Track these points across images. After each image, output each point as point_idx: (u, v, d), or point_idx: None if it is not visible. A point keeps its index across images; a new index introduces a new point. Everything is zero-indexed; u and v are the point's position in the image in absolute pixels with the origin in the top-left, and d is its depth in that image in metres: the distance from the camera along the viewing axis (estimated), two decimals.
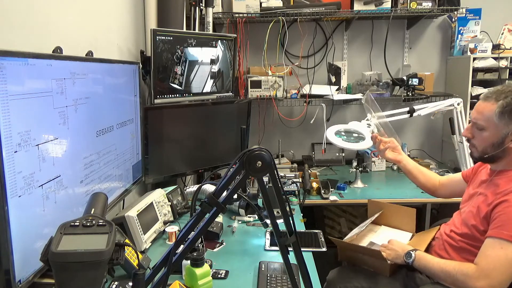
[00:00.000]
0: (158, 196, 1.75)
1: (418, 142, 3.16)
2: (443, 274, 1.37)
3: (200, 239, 1.29)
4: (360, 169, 2.53)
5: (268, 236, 1.70)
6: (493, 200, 1.35)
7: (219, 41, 2.33)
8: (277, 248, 1.56)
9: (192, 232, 0.96)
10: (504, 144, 1.38)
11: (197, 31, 2.43)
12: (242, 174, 0.94)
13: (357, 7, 2.63)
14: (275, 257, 1.51)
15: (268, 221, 1.04)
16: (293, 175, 2.33)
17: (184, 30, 2.28)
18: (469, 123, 1.51)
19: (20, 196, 0.99)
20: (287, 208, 1.00)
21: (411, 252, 1.47)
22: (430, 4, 2.62)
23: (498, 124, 1.36)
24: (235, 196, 1.01)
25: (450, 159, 2.95)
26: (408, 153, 3.01)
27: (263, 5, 2.63)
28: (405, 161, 1.82)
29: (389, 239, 1.62)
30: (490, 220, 1.34)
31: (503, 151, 1.39)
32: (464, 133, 1.50)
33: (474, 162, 1.68)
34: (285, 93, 2.74)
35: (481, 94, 2.59)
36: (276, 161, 2.28)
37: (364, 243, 1.77)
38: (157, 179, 2.05)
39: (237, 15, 2.63)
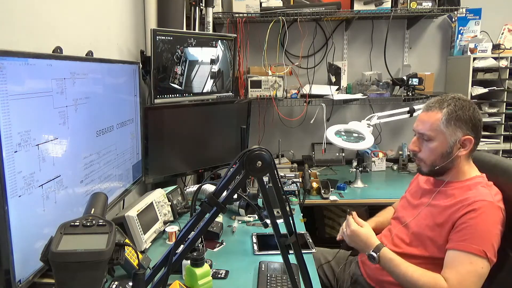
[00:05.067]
0: (158, 196, 1.75)
1: None
2: (410, 283, 1.29)
3: (200, 239, 1.29)
4: (360, 169, 2.53)
5: (255, 239, 1.67)
6: (455, 211, 1.30)
7: (219, 41, 2.33)
8: (267, 252, 1.57)
9: (192, 232, 0.96)
10: (453, 154, 1.35)
11: (197, 31, 2.43)
12: (242, 174, 0.94)
13: (357, 7, 2.63)
14: (275, 257, 1.51)
15: (268, 221, 1.04)
16: (293, 175, 2.33)
17: (184, 30, 2.28)
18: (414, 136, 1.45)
19: (20, 196, 0.99)
20: (287, 208, 1.00)
21: (374, 254, 1.36)
22: (430, 4, 2.62)
23: (445, 132, 1.34)
24: (235, 196, 1.01)
25: None
26: (408, 153, 3.01)
27: (263, 5, 2.63)
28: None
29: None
30: (452, 230, 1.29)
31: (452, 161, 1.36)
32: (411, 147, 1.44)
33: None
34: (285, 93, 2.74)
35: (481, 93, 2.63)
36: (276, 161, 2.28)
37: None
38: (157, 179, 2.05)
39: (237, 15, 2.63)
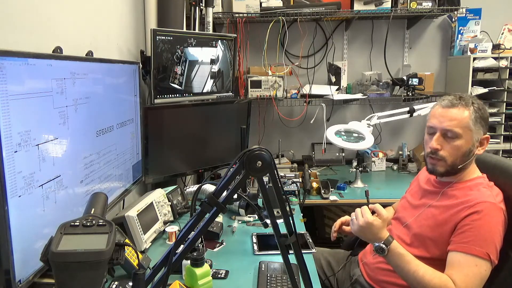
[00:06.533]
0: (158, 196, 1.75)
1: (418, 141, 3.16)
2: (418, 283, 1.26)
3: (200, 239, 1.29)
4: (360, 169, 2.53)
5: (255, 239, 1.68)
6: (457, 211, 1.30)
7: (219, 41, 2.33)
8: (267, 252, 1.57)
9: (192, 232, 0.96)
10: (473, 153, 1.35)
11: (197, 31, 2.43)
12: (242, 174, 0.94)
13: (357, 7, 2.63)
14: (275, 257, 1.51)
15: (268, 221, 1.04)
16: (293, 175, 2.33)
17: (184, 30, 2.28)
18: (430, 134, 1.41)
19: (20, 196, 0.99)
20: (287, 208, 1.00)
21: (384, 246, 1.31)
22: (430, 4, 2.62)
23: (473, 130, 1.33)
24: (235, 196, 1.01)
25: None
26: (408, 152, 3.02)
27: (263, 5, 2.63)
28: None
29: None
30: (454, 231, 1.29)
31: (471, 161, 1.36)
32: (434, 145, 1.36)
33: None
34: (285, 93, 2.74)
35: (481, 93, 2.63)
36: (276, 161, 2.28)
37: None
38: (157, 179, 2.05)
39: (237, 15, 2.63)
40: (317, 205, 2.60)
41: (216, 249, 1.62)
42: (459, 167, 1.36)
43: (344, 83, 2.86)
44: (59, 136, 1.17)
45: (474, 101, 1.36)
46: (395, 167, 2.95)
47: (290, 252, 1.03)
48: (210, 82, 2.32)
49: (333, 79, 2.85)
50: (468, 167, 1.38)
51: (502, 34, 2.88)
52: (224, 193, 0.96)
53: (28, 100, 1.02)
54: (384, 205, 1.86)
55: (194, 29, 2.43)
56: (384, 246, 1.31)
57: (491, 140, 2.68)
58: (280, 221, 0.99)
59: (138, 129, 1.88)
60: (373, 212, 1.39)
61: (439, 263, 1.31)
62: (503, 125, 2.72)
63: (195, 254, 1.28)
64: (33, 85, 1.05)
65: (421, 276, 1.26)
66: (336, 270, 1.72)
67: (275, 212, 1.02)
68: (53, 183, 1.14)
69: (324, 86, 2.86)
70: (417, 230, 1.41)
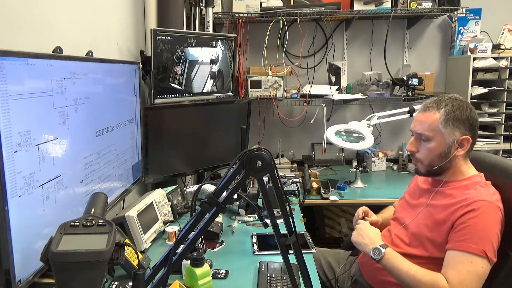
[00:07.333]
0: (158, 196, 1.75)
1: None
2: (411, 281, 1.28)
3: (200, 239, 1.29)
4: (360, 169, 2.53)
5: (255, 239, 1.68)
6: (454, 210, 1.30)
7: (219, 41, 2.33)
8: (267, 252, 1.57)
9: (192, 232, 0.96)
10: (451, 154, 1.36)
11: (197, 31, 2.43)
12: (242, 174, 0.94)
13: (357, 7, 2.63)
14: (275, 257, 1.51)
15: (268, 221, 1.04)
16: (293, 175, 2.33)
17: (184, 30, 2.28)
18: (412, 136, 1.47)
19: (20, 196, 0.99)
20: (287, 208, 1.00)
21: (381, 248, 1.36)
22: (430, 4, 2.62)
23: (444, 132, 1.35)
24: (235, 196, 1.01)
25: None
26: (408, 152, 3.02)
27: (263, 5, 2.64)
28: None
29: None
30: (451, 230, 1.29)
31: (450, 161, 1.37)
32: (408, 147, 1.46)
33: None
34: (285, 93, 2.74)
35: (481, 93, 2.63)
36: (276, 161, 2.28)
37: None
38: (157, 179, 2.05)
39: (237, 15, 2.63)
40: (317, 205, 2.60)
41: (216, 249, 1.62)
42: (435, 167, 1.39)
43: (344, 83, 2.86)
44: (59, 136, 1.17)
45: (451, 102, 1.36)
46: (395, 167, 2.95)
47: (290, 252, 1.03)
48: (210, 82, 2.32)
49: (333, 79, 2.85)
50: (451, 167, 1.39)
51: (502, 34, 2.88)
52: (224, 193, 0.96)
53: (28, 100, 1.02)
54: (384, 205, 1.88)
55: (194, 29, 2.43)
56: (381, 248, 1.35)
57: (491, 140, 2.73)
58: (280, 221, 0.99)
59: (138, 129, 1.88)
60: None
61: (437, 262, 1.31)
62: (503, 125, 2.72)
63: (195, 254, 1.28)
64: (33, 85, 1.05)
65: (413, 274, 1.28)
66: (336, 270, 1.72)
67: (275, 212, 1.02)
68: (53, 183, 1.14)
69: (324, 86, 2.86)
70: (415, 230, 1.42)
